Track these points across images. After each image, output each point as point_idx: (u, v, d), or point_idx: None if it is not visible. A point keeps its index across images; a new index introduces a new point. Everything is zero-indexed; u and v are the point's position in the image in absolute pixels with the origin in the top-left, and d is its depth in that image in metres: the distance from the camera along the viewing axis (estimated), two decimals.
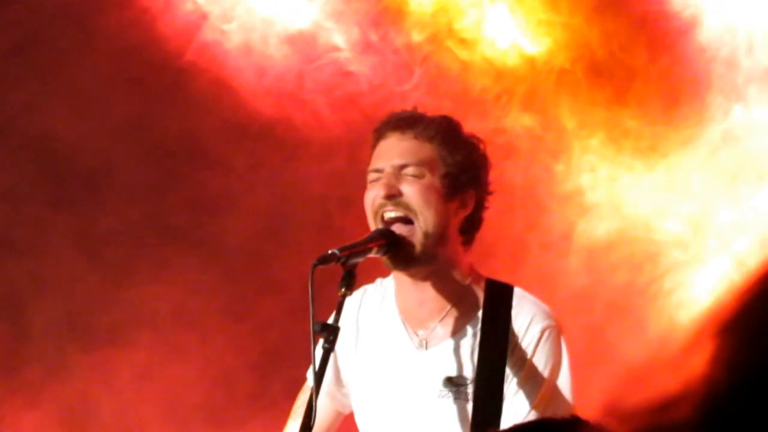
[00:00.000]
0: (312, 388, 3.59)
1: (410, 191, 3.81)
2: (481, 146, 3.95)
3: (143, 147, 6.16)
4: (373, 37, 5.83)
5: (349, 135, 5.77)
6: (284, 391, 5.16)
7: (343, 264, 3.67)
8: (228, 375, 6.19)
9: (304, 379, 4.16)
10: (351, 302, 3.91)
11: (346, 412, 4.09)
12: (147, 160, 6.19)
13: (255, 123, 6.03)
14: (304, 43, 5.93)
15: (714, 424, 1.16)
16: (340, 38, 5.89)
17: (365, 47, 5.86)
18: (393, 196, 3.80)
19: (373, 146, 3.92)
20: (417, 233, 3.80)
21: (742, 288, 1.18)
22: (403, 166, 3.83)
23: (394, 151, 3.85)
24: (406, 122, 3.88)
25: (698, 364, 1.16)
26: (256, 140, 6.09)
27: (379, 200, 3.82)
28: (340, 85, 5.90)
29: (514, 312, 3.83)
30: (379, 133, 3.91)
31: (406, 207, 3.81)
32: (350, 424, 4.06)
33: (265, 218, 6.14)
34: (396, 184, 3.81)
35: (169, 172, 6.20)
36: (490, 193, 3.96)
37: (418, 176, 3.82)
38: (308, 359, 3.63)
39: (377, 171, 3.87)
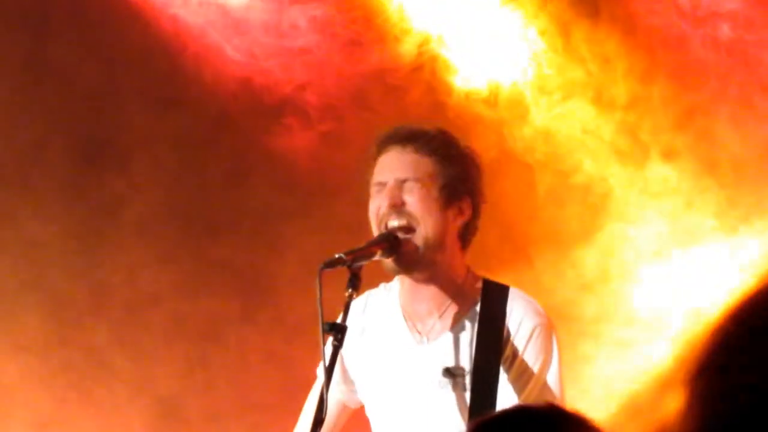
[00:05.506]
0: (323, 383, 3.91)
1: (412, 201, 4.12)
2: (476, 158, 4.26)
3: None
4: None
5: None
6: None
7: (349, 267, 3.98)
8: None
9: None
10: (356, 305, 4.20)
11: (354, 406, 4.38)
12: None
13: None
14: None
15: None
16: None
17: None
18: (396, 206, 4.11)
19: (375, 158, 4.22)
20: (418, 239, 4.10)
21: (708, 336, 1.28)
22: (404, 180, 4.13)
23: (395, 165, 4.16)
24: (407, 137, 4.18)
25: (672, 409, 1.25)
26: None
27: (384, 210, 4.13)
28: None
29: (508, 308, 4.13)
30: (381, 147, 4.21)
31: (409, 215, 4.11)
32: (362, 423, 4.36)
33: None
34: (399, 195, 4.12)
35: None
36: (485, 202, 4.26)
37: (418, 188, 4.12)
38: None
39: (380, 184, 4.17)
